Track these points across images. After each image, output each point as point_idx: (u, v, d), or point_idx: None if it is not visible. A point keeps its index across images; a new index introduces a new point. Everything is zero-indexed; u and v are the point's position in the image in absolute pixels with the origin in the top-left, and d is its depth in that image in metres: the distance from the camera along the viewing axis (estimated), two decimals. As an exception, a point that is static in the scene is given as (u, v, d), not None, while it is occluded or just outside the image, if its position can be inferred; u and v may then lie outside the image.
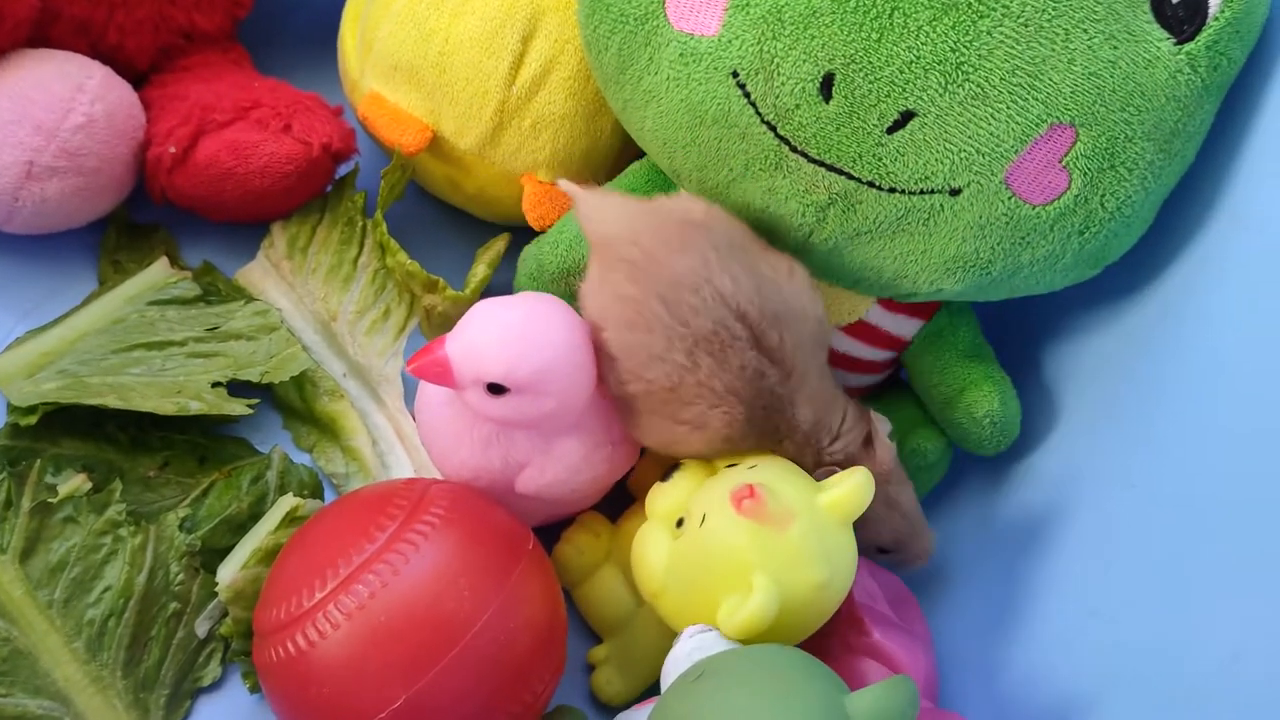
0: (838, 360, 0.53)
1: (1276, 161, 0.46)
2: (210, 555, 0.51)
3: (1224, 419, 0.45)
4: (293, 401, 0.57)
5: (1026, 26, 0.44)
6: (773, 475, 0.46)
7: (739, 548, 0.44)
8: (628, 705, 0.51)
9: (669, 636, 0.47)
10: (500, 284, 0.57)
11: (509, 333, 0.45)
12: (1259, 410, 0.44)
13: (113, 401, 0.51)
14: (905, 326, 0.53)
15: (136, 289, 0.56)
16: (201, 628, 0.51)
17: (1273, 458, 0.42)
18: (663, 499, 0.48)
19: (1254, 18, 0.45)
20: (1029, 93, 0.44)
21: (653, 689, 0.51)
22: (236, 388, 0.54)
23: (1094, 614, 0.48)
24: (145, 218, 0.60)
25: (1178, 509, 0.46)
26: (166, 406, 0.51)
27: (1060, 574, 0.51)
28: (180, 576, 0.50)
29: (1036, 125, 0.44)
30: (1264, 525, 0.42)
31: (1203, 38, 0.44)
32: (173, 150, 0.55)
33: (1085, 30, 0.44)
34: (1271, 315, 0.44)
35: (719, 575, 0.44)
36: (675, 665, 0.44)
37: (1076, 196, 0.46)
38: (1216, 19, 0.44)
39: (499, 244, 0.58)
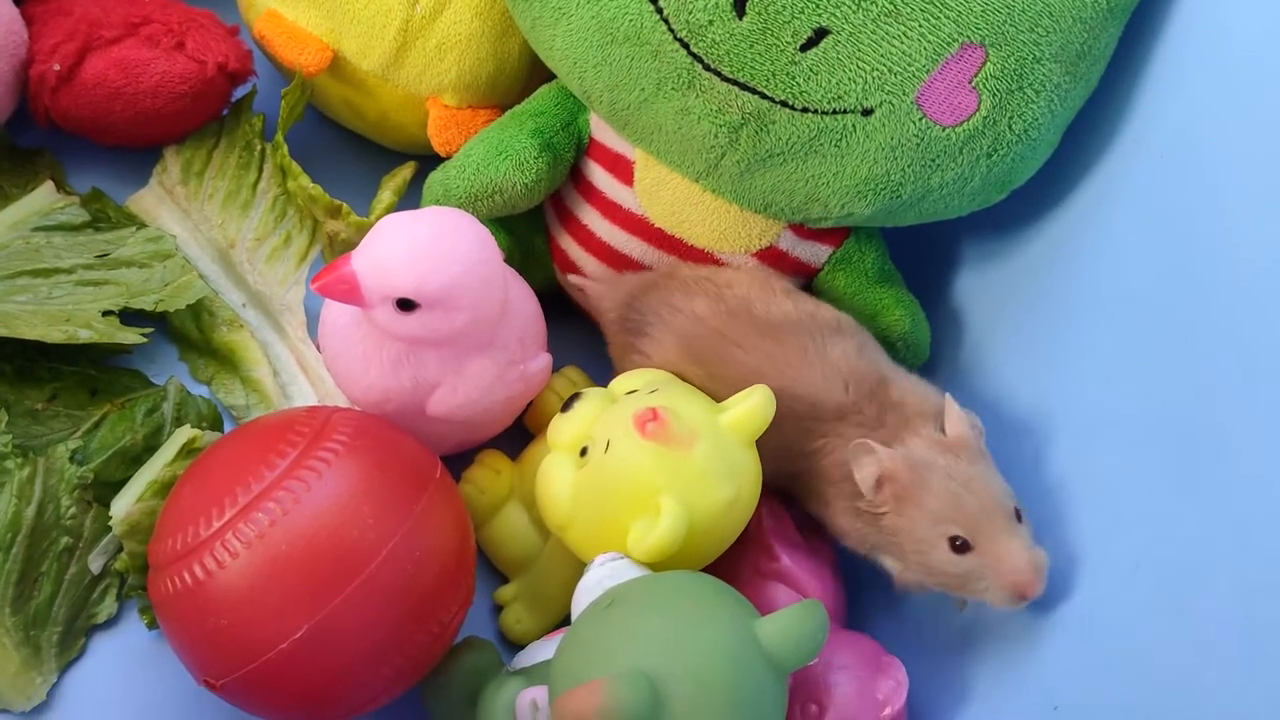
0: (749, 287, 0.53)
1: (1178, 86, 0.47)
2: (103, 489, 0.49)
3: (1125, 340, 0.46)
4: (189, 332, 0.55)
5: (939, -57, 0.44)
6: (675, 398, 0.45)
7: (645, 471, 0.44)
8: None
9: (577, 570, 0.47)
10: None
11: (418, 246, 0.44)
12: (1159, 331, 0.45)
13: (-3, 329, 0.49)
14: (815, 253, 0.53)
15: (20, 214, 0.54)
16: (95, 563, 0.49)
17: (1169, 378, 0.43)
18: (565, 429, 0.47)
19: (1158, -59, 0.46)
20: (941, 11, 0.44)
21: (562, 624, 0.51)
22: (129, 318, 0.52)
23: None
24: (28, 141, 0.57)
25: (1077, 424, 0.47)
26: (54, 335, 0.49)
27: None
28: (72, 510, 0.48)
29: (948, 44, 0.45)
30: (1159, 438, 0.43)
31: (1109, -41, 0.45)
32: (57, 68, 0.53)
33: (996, -52, 0.44)
34: (1170, 238, 0.45)
35: (626, 500, 0.44)
36: (585, 594, 0.44)
37: (985, 118, 0.46)
38: (1122, -59, 0.45)
39: (405, 171, 0.57)
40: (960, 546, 0.44)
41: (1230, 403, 0.40)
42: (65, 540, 0.48)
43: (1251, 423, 0.39)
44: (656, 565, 0.45)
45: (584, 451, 0.46)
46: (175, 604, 0.43)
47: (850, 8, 0.44)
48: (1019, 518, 0.44)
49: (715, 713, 0.38)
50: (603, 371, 0.54)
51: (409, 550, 0.43)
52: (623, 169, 0.52)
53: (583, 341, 0.58)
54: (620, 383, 0.49)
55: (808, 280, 0.54)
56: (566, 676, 0.40)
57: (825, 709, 0.44)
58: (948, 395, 0.46)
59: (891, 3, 0.44)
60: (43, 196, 0.55)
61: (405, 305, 0.44)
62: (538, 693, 0.43)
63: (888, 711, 0.44)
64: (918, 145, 0.46)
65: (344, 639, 0.42)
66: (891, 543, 0.45)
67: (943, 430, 0.46)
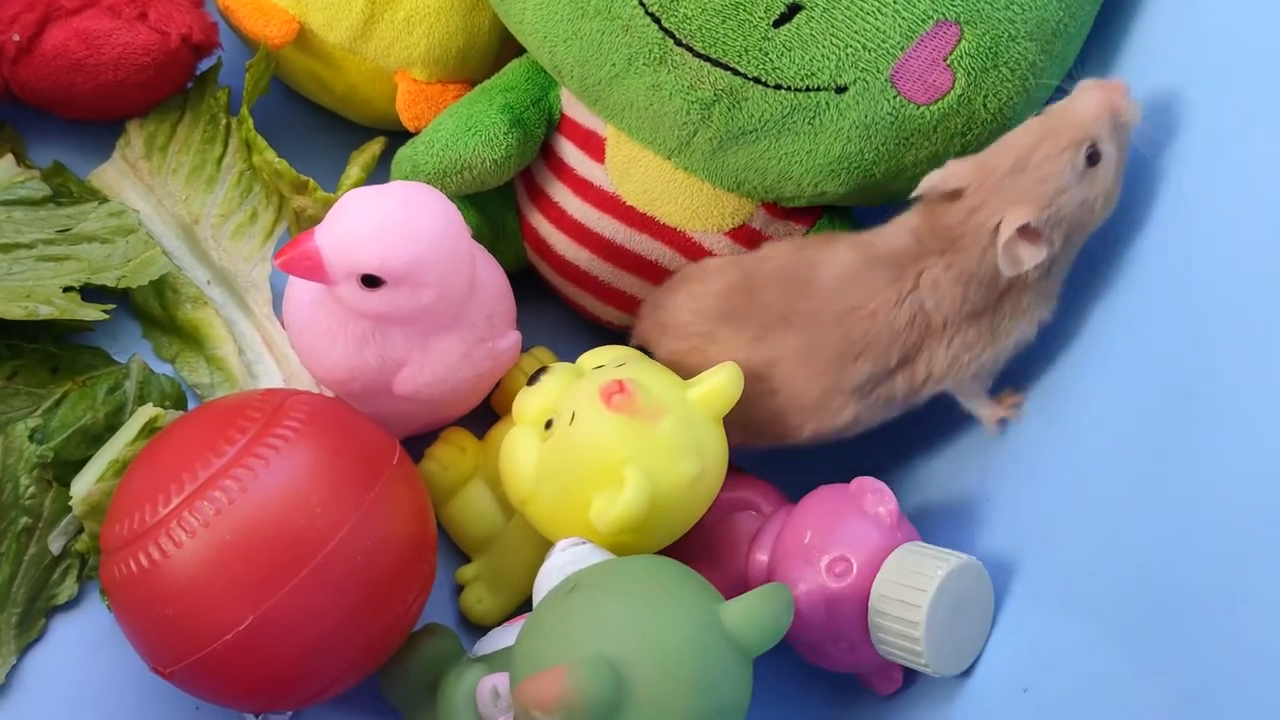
0: (721, 266, 0.53)
1: (1153, 64, 0.46)
2: (64, 468, 0.49)
3: (1093, 315, 0.46)
4: (152, 309, 0.54)
5: (914, -82, 0.43)
6: (642, 372, 0.45)
7: (610, 443, 0.43)
8: (499, 623, 0.50)
9: (540, 550, 0.47)
10: (374, 187, 0.54)
11: (384, 221, 0.43)
12: (1123, 310, 0.45)
13: (-47, 305, 0.48)
14: (788, 232, 0.52)
15: (-21, 188, 0.53)
16: (55, 543, 0.48)
17: (1140, 365, 0.43)
18: (530, 402, 0.47)
19: (1135, -82, 0.45)
20: (915, -13, 0.44)
21: (524, 606, 0.50)
22: (91, 294, 0.51)
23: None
24: (-12, 114, 0.56)
25: (1042, 398, 0.48)
26: (14, 311, 0.48)
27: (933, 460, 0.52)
28: (31, 489, 0.48)
29: (922, 21, 0.44)
30: (1135, 427, 0.43)
31: (1085, -63, 0.44)
32: (16, 39, 0.52)
33: (972, -76, 0.43)
34: (1138, 218, 0.45)
35: (590, 473, 0.44)
36: (548, 578, 0.43)
37: (960, 96, 0.46)
38: (1099, -82, 0.44)
39: (374, 146, 0.56)
40: (1092, 157, 0.43)
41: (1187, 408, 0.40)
42: (24, 520, 0.47)
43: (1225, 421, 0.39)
44: (619, 539, 0.44)
45: (549, 425, 0.45)
46: (124, 590, 0.42)
47: (824, -17, 0.43)
48: (1091, 158, 0.43)
49: (680, 697, 0.38)
50: (572, 352, 0.53)
51: (361, 538, 0.42)
52: (594, 146, 0.51)
53: (552, 321, 0.58)
54: (587, 358, 0.49)
55: (781, 260, 0.54)
56: (528, 663, 0.39)
57: (852, 554, 0.44)
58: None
59: (866, -22, 0.43)
60: (2, 170, 0.53)
61: (370, 282, 0.44)
62: (499, 680, 0.43)
63: (886, 514, 0.44)
64: (892, 123, 0.46)
65: (293, 628, 0.41)
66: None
67: None
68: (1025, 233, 0.43)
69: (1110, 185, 0.44)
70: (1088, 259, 0.47)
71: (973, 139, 0.47)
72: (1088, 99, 0.43)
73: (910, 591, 0.42)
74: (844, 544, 0.44)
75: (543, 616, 0.41)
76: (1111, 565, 0.42)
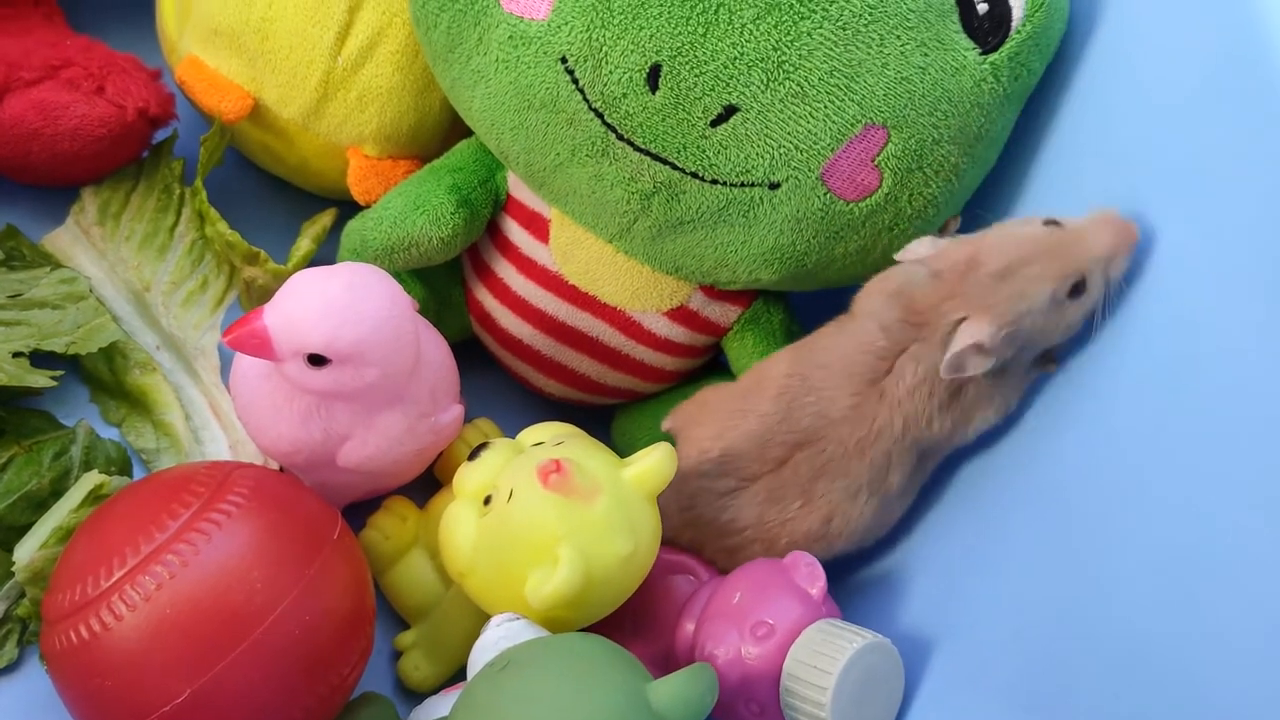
0: (659, 344, 0.55)
1: (1069, 168, 0.49)
2: (8, 533, 0.49)
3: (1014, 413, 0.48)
4: (101, 374, 0.55)
5: (844, 30, 0.45)
6: (579, 451, 0.47)
7: (545, 521, 0.45)
8: (435, 690, 0.51)
9: (477, 620, 0.48)
10: (324, 259, 0.55)
11: (330, 303, 0.44)
12: (1051, 403, 0.47)
13: (-98, 370, 0.48)
14: (725, 313, 0.54)
15: (-69, 252, 0.53)
16: (-3, 608, 0.49)
17: (1074, 435, 0.45)
18: (470, 477, 0.48)
19: (1052, 33, 0.48)
20: (845, 94, 0.46)
21: (460, 673, 0.51)
22: (40, 359, 0.52)
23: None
24: (-58, 176, 0.57)
25: (981, 475, 0.50)
26: (-38, 376, 0.49)
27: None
28: (-26, 554, 0.48)
29: (852, 125, 0.46)
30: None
31: (1006, 49, 0.47)
32: (-27, 107, 0.53)
33: (899, 36, 0.46)
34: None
35: (526, 549, 0.45)
36: (481, 654, 0.44)
37: (887, 195, 0.48)
38: (1018, 32, 0.47)
39: (325, 218, 0.57)
40: (1077, 289, 0.44)
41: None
42: (-34, 585, 0.48)
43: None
44: (553, 615, 0.45)
45: (488, 500, 0.47)
46: (63, 661, 0.43)
47: (759, 88, 0.45)
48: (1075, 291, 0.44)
49: None
50: (514, 423, 0.55)
51: (299, 614, 0.43)
52: (539, 227, 0.53)
53: (496, 392, 0.59)
54: (528, 434, 0.50)
55: (717, 339, 0.56)
56: None
57: (775, 620, 0.46)
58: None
59: (799, 85, 0.45)
60: (-45, 233, 0.54)
61: (316, 360, 0.45)
62: None
63: (816, 591, 0.46)
64: (822, 218, 0.48)
65: (229, 702, 0.42)
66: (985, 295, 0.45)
67: None
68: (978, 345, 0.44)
69: (1077, 320, 0.45)
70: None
71: (899, 233, 0.49)
72: (1101, 234, 0.43)
73: (824, 661, 0.44)
74: (770, 610, 0.46)
75: (476, 692, 0.42)
76: (1021, 647, 0.44)
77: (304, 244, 0.56)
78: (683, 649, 0.48)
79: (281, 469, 0.53)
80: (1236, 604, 0.36)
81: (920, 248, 0.46)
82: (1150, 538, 0.40)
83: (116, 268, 0.57)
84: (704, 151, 0.47)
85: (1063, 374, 0.47)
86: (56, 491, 0.50)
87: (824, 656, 0.44)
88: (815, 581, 0.46)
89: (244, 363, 0.48)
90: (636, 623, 0.50)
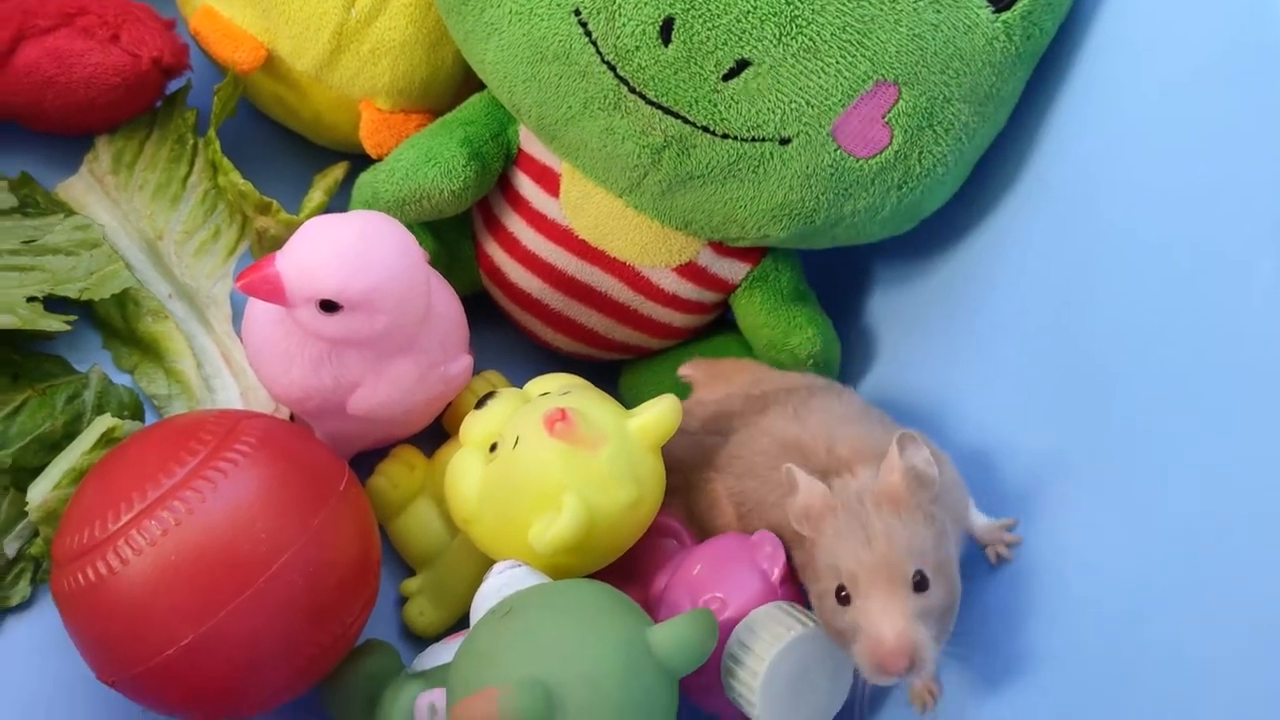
0: (668, 300, 0.55)
1: (1080, 128, 0.49)
2: (21, 474, 0.50)
3: (1027, 365, 0.48)
4: (114, 321, 0.55)
5: (857, -15, 0.45)
6: (585, 401, 0.47)
7: (550, 469, 0.45)
8: (439, 635, 0.52)
9: (482, 566, 0.48)
10: (336, 211, 0.56)
11: (343, 249, 0.45)
12: (1061, 358, 0.47)
13: (-82, 311, 0.49)
14: (733, 270, 0.55)
15: (-53, 196, 0.54)
16: (10, 547, 0.49)
17: (1071, 403, 0.45)
18: (477, 425, 0.49)
19: (1065, -8, 0.48)
20: (858, 49, 0.46)
21: (465, 619, 0.52)
22: (54, 304, 0.53)
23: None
24: (-43, 123, 0.57)
25: (981, 445, 0.49)
26: (-22, 319, 0.50)
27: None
28: (-12, 494, 0.49)
29: (863, 81, 0.46)
30: (1064, 461, 0.45)
31: (1018, 7, 0.47)
32: (-11, 53, 0.53)
33: (911, -8, 0.46)
34: (1070, 270, 0.47)
35: (531, 497, 0.45)
36: (484, 600, 0.45)
37: (897, 152, 0.48)
38: (1031, -10, 0.47)
39: (336, 171, 0.58)
40: (844, 598, 0.41)
41: (1133, 425, 0.42)
42: (-20, 524, 0.49)
43: (1153, 442, 0.41)
44: (556, 563, 0.46)
45: (494, 448, 0.47)
46: (71, 602, 0.43)
47: (771, 42, 0.46)
48: (921, 585, 0.40)
49: (607, 716, 0.40)
50: (521, 376, 0.55)
51: (303, 564, 0.43)
52: (549, 181, 0.53)
53: (504, 347, 0.60)
54: (535, 385, 0.51)
55: (725, 296, 0.56)
56: (463, 684, 0.41)
57: (727, 596, 0.46)
58: (895, 441, 0.42)
59: (811, 39, 0.46)
60: (-30, 180, 0.55)
61: (328, 307, 0.45)
62: (436, 696, 0.44)
63: (775, 574, 0.46)
64: (832, 175, 0.48)
65: (232, 648, 0.42)
66: (806, 573, 0.45)
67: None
68: None
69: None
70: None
71: (908, 191, 0.49)
72: (880, 629, 0.40)
73: (761, 644, 0.44)
74: (725, 586, 0.46)
75: (478, 638, 0.42)
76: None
77: (316, 196, 0.56)
78: (656, 603, 0.49)
79: (292, 417, 0.54)
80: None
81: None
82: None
83: (130, 216, 0.57)
84: (715, 105, 0.47)
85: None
86: (69, 434, 0.51)
87: (761, 640, 0.44)
88: (775, 564, 0.46)
89: (256, 309, 0.49)
90: (628, 573, 0.51)
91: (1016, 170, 0.52)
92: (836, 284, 0.59)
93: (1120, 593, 0.41)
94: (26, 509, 0.48)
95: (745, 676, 0.44)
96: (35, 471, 0.49)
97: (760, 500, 0.48)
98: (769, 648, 0.43)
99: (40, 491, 0.48)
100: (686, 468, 0.51)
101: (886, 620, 0.40)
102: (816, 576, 0.43)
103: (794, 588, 0.47)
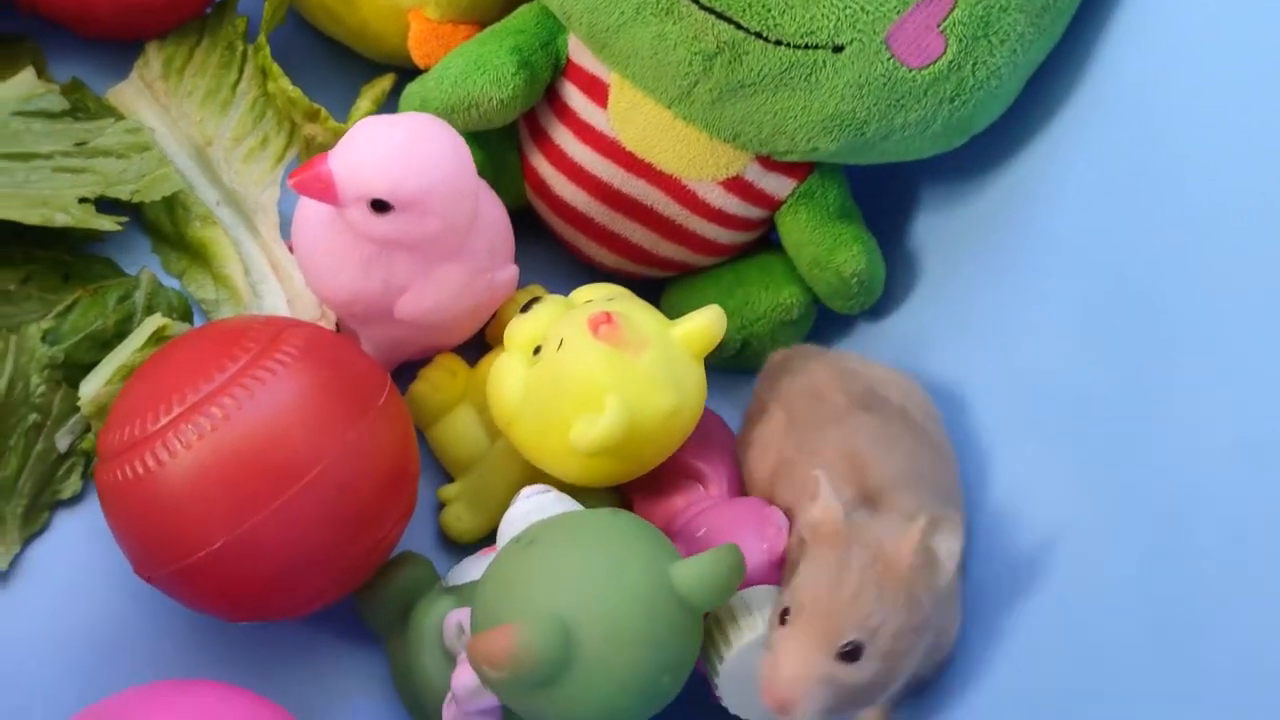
0: (713, 215, 0.55)
1: (1137, 44, 0.49)
2: (73, 370, 0.51)
3: (1075, 289, 0.48)
4: (163, 225, 0.56)
5: (916, -113, 0.45)
6: (631, 307, 0.47)
7: (593, 371, 0.45)
8: (476, 541, 0.53)
9: (520, 474, 0.49)
10: (383, 120, 0.56)
11: (395, 149, 0.45)
12: (1108, 282, 0.46)
13: (-27, 208, 0.50)
14: (780, 185, 0.55)
15: (1, 98, 0.54)
16: (62, 441, 0.50)
17: (1116, 329, 0.45)
18: (521, 329, 0.49)
19: (1126, -99, 0.47)
20: (914, -46, 0.46)
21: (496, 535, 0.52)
22: (105, 206, 0.53)
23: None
24: (10, 27, 0.57)
25: (1023, 371, 0.49)
26: (31, 216, 0.50)
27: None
28: (41, 388, 0.50)
29: (919, -13, 0.46)
30: (1105, 389, 0.45)
31: (1079, -85, 0.46)
32: (42, -45, 0.53)
33: (971, -104, 0.45)
34: (1124, 191, 0.47)
35: (572, 398, 0.46)
36: (510, 526, 0.45)
37: (951, 62, 0.48)
38: (1092, -102, 0.46)
39: (384, 82, 0.58)
40: (784, 619, 0.41)
41: (1181, 355, 0.42)
42: (34, 417, 0.49)
43: (1202, 371, 0.41)
44: (591, 468, 0.46)
45: (537, 351, 0.47)
46: (113, 496, 0.44)
47: (827, -55, 0.45)
48: (851, 656, 0.39)
49: (627, 653, 0.40)
50: (565, 291, 0.55)
51: (338, 474, 0.43)
52: (598, 91, 0.53)
53: (548, 261, 0.60)
54: (580, 293, 0.51)
55: (771, 213, 0.56)
56: (485, 615, 0.41)
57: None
58: (927, 518, 0.41)
59: (867, -57, 0.45)
60: (23, 83, 0.55)
61: (379, 207, 0.46)
62: (464, 616, 0.45)
63: (769, 550, 0.45)
64: (884, 85, 0.48)
65: (265, 553, 0.43)
66: (785, 570, 0.45)
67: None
68: None
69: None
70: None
71: (961, 104, 0.49)
72: (773, 667, 0.40)
73: (737, 630, 0.43)
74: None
75: (501, 567, 0.42)
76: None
77: (363, 104, 0.56)
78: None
79: (337, 327, 0.54)
80: None
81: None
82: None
83: (179, 122, 0.57)
84: (769, 11, 0.47)
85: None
86: (120, 334, 0.52)
87: (737, 625, 0.44)
88: (777, 544, 0.45)
89: (308, 211, 0.49)
90: (650, 501, 0.51)
91: (1070, 88, 0.51)
92: (881, 205, 0.59)
93: (1157, 524, 0.40)
94: (78, 404, 0.49)
95: (714, 655, 0.44)
96: (87, 368, 0.50)
97: (792, 472, 0.47)
98: (741, 636, 0.43)
99: (92, 387, 0.49)
100: (780, 386, 0.50)
101: (790, 662, 0.39)
102: (785, 582, 0.43)
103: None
